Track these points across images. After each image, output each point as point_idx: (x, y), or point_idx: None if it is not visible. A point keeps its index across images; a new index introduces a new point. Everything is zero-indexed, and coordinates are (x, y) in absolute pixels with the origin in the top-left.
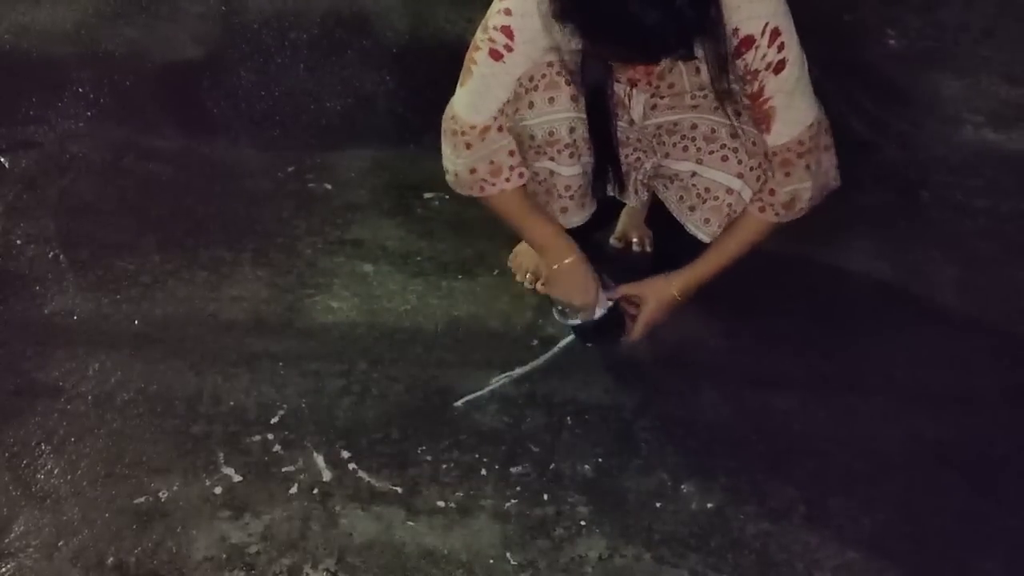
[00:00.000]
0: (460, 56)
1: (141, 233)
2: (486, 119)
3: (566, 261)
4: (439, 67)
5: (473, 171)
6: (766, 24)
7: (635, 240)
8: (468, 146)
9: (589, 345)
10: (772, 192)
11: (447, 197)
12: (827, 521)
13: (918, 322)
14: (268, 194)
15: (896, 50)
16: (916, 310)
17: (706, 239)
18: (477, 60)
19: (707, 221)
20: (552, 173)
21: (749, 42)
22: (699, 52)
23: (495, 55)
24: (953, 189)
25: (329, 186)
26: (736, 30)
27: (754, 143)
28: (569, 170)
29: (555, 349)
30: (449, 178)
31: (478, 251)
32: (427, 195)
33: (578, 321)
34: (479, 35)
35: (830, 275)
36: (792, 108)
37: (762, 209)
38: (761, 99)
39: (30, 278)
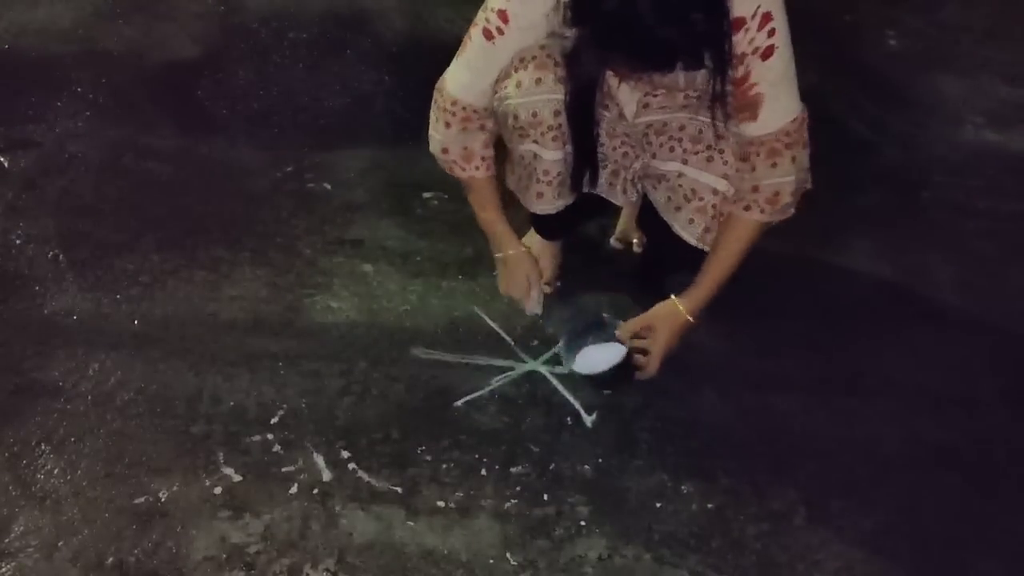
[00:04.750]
0: None
1: (140, 233)
2: (470, 100)
3: (510, 252)
4: (438, 66)
5: (445, 151)
6: (758, 7)
7: (635, 241)
8: (447, 125)
9: (607, 392)
10: (755, 189)
11: (446, 197)
12: (828, 522)
13: (918, 323)
14: (267, 193)
15: (896, 50)
16: (916, 311)
17: (691, 240)
18: (472, 36)
19: (691, 221)
20: (536, 156)
21: (739, 24)
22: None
23: (487, 34)
24: (953, 189)
25: (328, 186)
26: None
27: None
28: (552, 155)
29: (554, 349)
30: (431, 146)
31: (478, 251)
32: (426, 195)
33: (593, 372)
34: (480, 13)
35: (830, 276)
36: (779, 98)
37: (747, 208)
38: (746, 85)
39: (30, 278)
